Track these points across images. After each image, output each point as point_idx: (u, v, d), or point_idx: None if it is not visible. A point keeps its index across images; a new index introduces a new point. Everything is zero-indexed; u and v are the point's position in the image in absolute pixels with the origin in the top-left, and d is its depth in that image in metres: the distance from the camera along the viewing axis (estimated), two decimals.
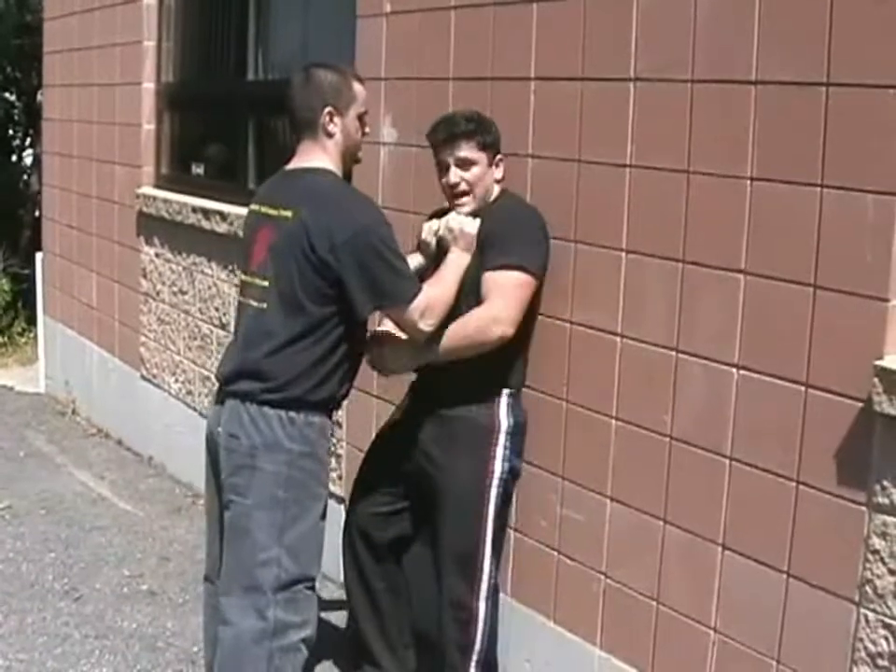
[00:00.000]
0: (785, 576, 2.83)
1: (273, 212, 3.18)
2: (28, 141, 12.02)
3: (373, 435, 3.78)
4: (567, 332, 3.43)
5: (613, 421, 3.31)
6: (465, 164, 3.38)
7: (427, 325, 3.17)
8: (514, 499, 3.62)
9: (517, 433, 3.41)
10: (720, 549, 3.01)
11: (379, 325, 3.47)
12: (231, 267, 5.37)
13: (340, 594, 4.34)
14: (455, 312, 3.27)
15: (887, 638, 2.60)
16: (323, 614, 3.92)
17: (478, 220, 3.35)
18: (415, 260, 3.50)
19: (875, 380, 2.55)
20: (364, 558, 3.65)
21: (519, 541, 3.68)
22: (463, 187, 3.39)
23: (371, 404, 4.18)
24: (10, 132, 12.01)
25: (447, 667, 3.46)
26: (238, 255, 4.64)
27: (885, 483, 2.59)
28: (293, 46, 5.36)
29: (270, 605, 3.10)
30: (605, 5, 3.30)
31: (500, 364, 3.36)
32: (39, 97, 9.49)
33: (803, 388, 2.77)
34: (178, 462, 6.00)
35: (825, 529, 2.74)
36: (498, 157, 3.44)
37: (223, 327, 5.48)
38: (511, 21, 3.61)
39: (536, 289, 3.36)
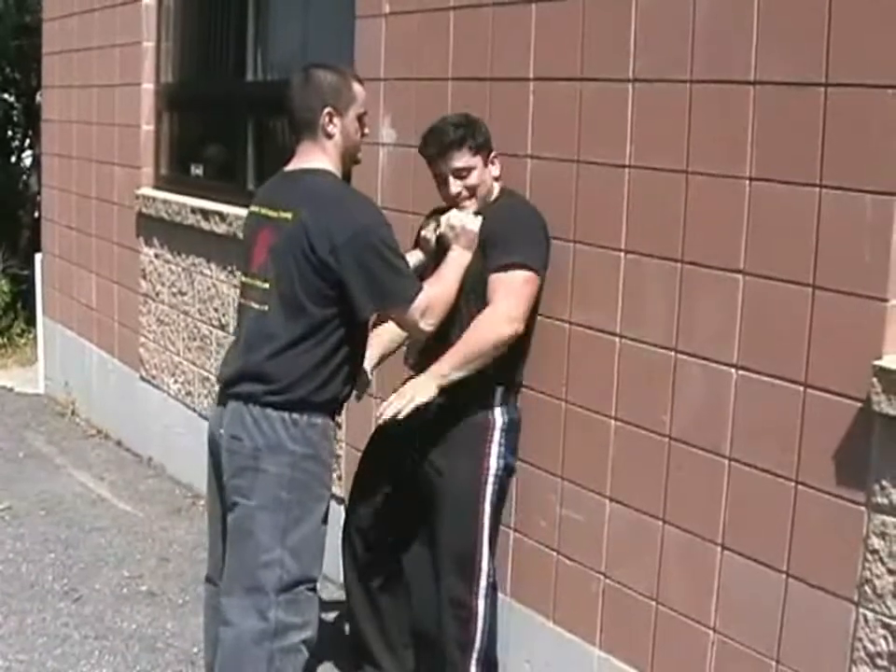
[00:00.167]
0: (784, 576, 2.83)
1: (273, 214, 3.18)
2: (27, 142, 12.01)
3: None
4: (567, 332, 3.43)
5: (612, 421, 3.31)
6: (462, 173, 3.38)
7: (427, 324, 3.17)
8: (514, 499, 3.63)
9: (512, 430, 3.41)
10: (719, 549, 3.01)
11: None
12: (230, 268, 5.37)
13: (340, 594, 4.34)
14: (455, 310, 3.27)
15: (886, 638, 2.60)
16: (323, 615, 3.92)
17: (479, 218, 3.35)
18: (414, 258, 3.51)
19: (874, 380, 2.55)
20: (364, 558, 3.65)
21: (518, 541, 3.69)
22: (465, 194, 3.40)
23: (370, 405, 4.18)
24: (9, 133, 12.00)
25: (448, 666, 3.46)
26: (237, 256, 4.64)
27: (884, 482, 2.59)
28: (292, 46, 5.36)
29: (271, 606, 3.10)
30: (603, 5, 3.30)
31: (495, 361, 3.37)
32: (38, 98, 9.49)
33: (801, 388, 2.77)
34: (178, 463, 6.00)
35: (824, 529, 2.74)
36: (493, 155, 3.45)
37: (222, 327, 5.48)
38: (510, 21, 3.61)
39: (539, 287, 3.37)
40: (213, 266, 5.58)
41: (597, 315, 3.33)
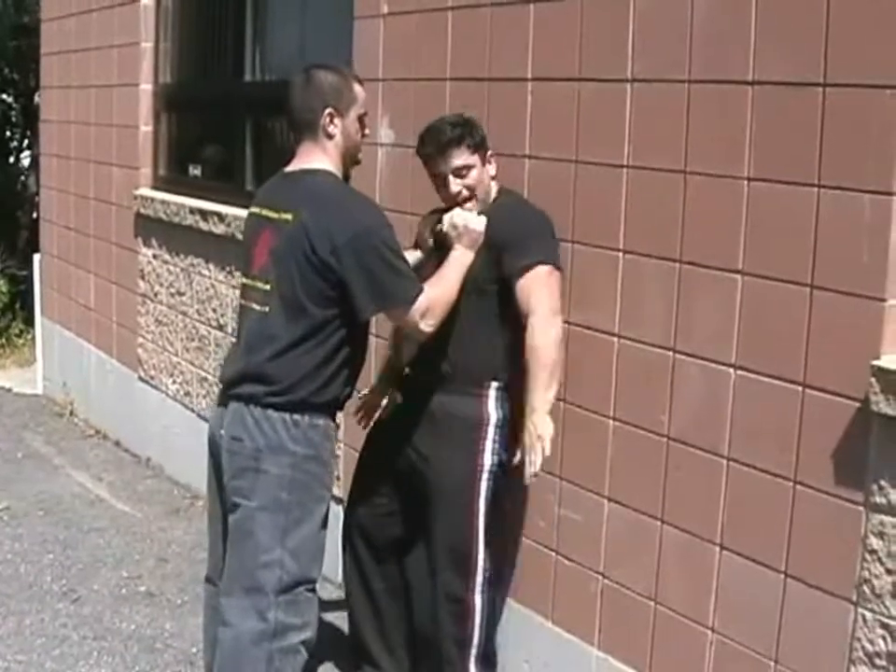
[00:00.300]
0: (783, 576, 2.84)
1: (273, 215, 3.18)
2: (25, 142, 12.02)
3: None
4: (565, 332, 3.43)
5: (611, 421, 3.31)
6: (461, 172, 3.38)
7: (427, 325, 3.17)
8: (515, 499, 3.63)
9: (506, 426, 3.41)
10: (717, 549, 3.01)
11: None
12: (228, 268, 5.37)
13: (338, 594, 4.35)
14: (456, 309, 3.27)
15: (884, 638, 2.60)
16: (324, 616, 3.92)
17: (483, 217, 3.35)
18: (412, 257, 3.51)
19: (872, 380, 2.56)
20: (365, 559, 3.65)
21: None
22: (465, 194, 3.40)
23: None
24: (8, 133, 12.00)
25: (445, 663, 3.46)
26: (236, 256, 4.64)
27: (882, 482, 2.59)
28: (290, 47, 5.35)
29: (271, 606, 3.10)
30: (601, 5, 3.30)
31: (488, 358, 3.38)
32: (37, 99, 9.50)
33: (800, 388, 2.77)
34: (176, 463, 6.00)
35: (823, 529, 2.74)
36: (489, 154, 3.45)
37: (221, 328, 5.48)
38: (508, 21, 3.61)
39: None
40: (211, 266, 5.58)
41: (596, 315, 3.33)
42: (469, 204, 3.40)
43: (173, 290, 6.00)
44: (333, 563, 3.86)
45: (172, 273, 5.99)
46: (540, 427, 3.14)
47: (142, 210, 6.21)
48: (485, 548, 3.40)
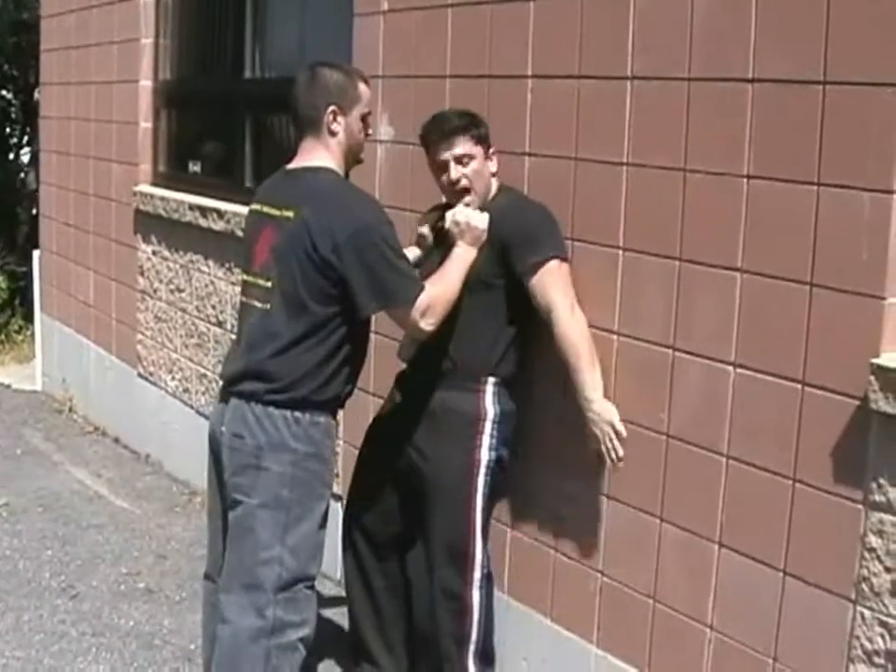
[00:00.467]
0: (782, 574, 2.84)
1: (275, 212, 3.18)
2: (25, 139, 12.01)
3: None
4: None
5: None
6: (463, 160, 3.39)
7: (427, 324, 3.17)
8: (512, 496, 3.63)
9: (504, 422, 3.41)
10: (716, 547, 3.01)
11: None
12: (228, 265, 5.37)
13: (338, 591, 4.35)
14: (458, 306, 3.28)
15: (883, 636, 2.60)
16: (323, 613, 3.93)
17: (485, 214, 3.36)
18: (413, 253, 3.52)
19: (872, 378, 2.56)
20: (365, 556, 3.65)
21: (516, 539, 3.69)
22: (464, 183, 3.39)
23: (367, 402, 4.18)
24: (7, 129, 12.00)
25: (444, 660, 3.46)
26: (235, 253, 4.65)
27: (881, 480, 2.59)
28: (291, 44, 5.35)
29: (270, 604, 3.10)
30: (602, 3, 3.30)
31: (485, 353, 3.38)
32: (36, 95, 9.49)
33: (799, 386, 2.77)
34: (175, 460, 6.00)
35: (822, 527, 2.74)
36: (491, 150, 3.45)
37: (220, 324, 5.48)
38: (508, 19, 3.61)
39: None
40: (211, 263, 5.57)
41: (595, 313, 3.32)
42: (468, 198, 3.39)
43: (172, 287, 5.99)
44: (332, 560, 3.87)
45: (171, 269, 5.99)
46: (605, 413, 3.23)
47: (141, 206, 6.21)
48: (483, 544, 3.41)
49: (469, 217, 3.34)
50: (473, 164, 3.39)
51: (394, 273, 3.09)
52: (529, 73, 3.54)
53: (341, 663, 3.96)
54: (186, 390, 5.88)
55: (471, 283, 3.32)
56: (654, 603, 3.20)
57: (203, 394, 5.65)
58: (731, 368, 2.95)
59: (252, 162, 5.47)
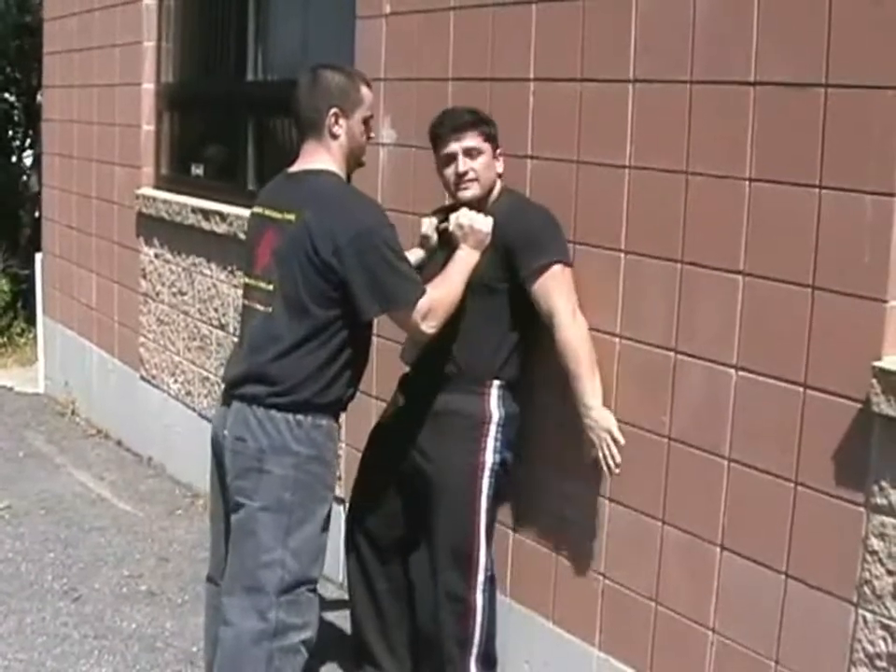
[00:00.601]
0: (783, 577, 2.83)
1: (276, 215, 3.18)
2: (28, 142, 12.02)
3: None
4: None
5: None
6: (472, 153, 3.39)
7: (429, 327, 3.17)
8: (513, 499, 3.63)
9: (508, 425, 3.42)
10: (718, 549, 3.01)
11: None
12: (230, 268, 5.37)
13: (339, 594, 4.35)
14: (461, 309, 3.28)
15: (885, 639, 2.60)
16: (326, 616, 3.93)
17: (489, 218, 3.36)
18: (415, 256, 3.51)
19: (874, 381, 2.56)
20: (368, 559, 3.65)
21: (518, 542, 3.69)
22: (471, 175, 3.39)
23: (370, 405, 4.18)
24: (10, 132, 12.01)
25: (446, 662, 3.46)
26: (238, 256, 4.65)
27: (883, 483, 2.59)
28: (293, 47, 5.36)
29: (272, 606, 3.10)
30: (604, 6, 3.30)
31: (488, 357, 3.39)
32: (39, 98, 9.49)
33: (801, 389, 2.77)
34: (178, 463, 6.00)
35: (823, 530, 2.74)
36: (499, 151, 3.46)
37: (222, 327, 5.48)
38: (511, 22, 3.61)
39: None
40: (213, 266, 5.58)
41: (597, 316, 3.33)
42: (469, 186, 3.38)
43: (174, 290, 6.00)
44: (335, 563, 3.87)
45: (174, 272, 5.99)
46: (603, 420, 3.24)
47: (144, 209, 6.21)
48: (486, 547, 3.41)
49: (473, 221, 3.34)
50: (481, 159, 3.40)
51: (395, 276, 3.09)
52: (531, 76, 3.54)
53: (343, 665, 3.96)
54: (188, 393, 5.88)
55: (475, 287, 3.32)
56: (656, 606, 3.20)
57: (206, 397, 5.65)
58: (733, 371, 2.95)
59: (254, 165, 5.47)
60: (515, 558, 3.70)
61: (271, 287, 3.14)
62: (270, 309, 3.14)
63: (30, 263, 9.18)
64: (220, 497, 3.29)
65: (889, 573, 2.58)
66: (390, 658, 3.72)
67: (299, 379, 3.10)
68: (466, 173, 3.39)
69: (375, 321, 3.30)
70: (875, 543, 2.61)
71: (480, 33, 3.73)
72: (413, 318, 3.14)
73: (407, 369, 3.65)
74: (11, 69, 11.51)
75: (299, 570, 3.12)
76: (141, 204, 6.24)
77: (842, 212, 2.66)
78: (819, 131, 2.69)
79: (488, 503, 3.40)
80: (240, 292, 3.52)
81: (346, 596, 3.86)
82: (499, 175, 3.48)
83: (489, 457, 3.38)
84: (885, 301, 2.58)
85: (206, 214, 5.50)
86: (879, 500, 2.60)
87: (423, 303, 3.13)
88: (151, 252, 6.24)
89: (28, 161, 11.98)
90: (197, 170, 6.05)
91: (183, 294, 5.91)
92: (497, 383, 3.40)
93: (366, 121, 3.24)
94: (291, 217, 3.11)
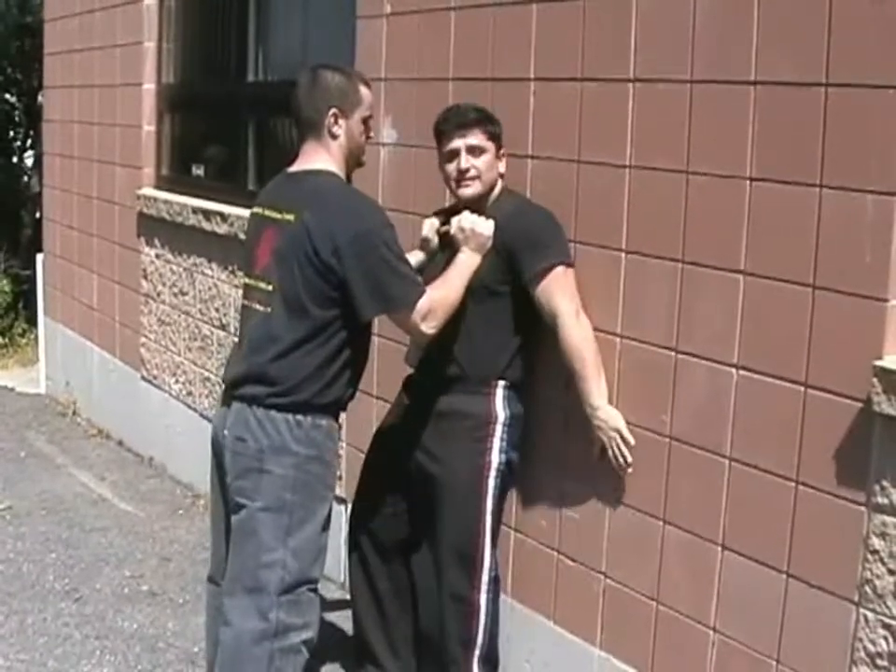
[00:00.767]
0: (784, 576, 2.83)
1: (276, 215, 3.18)
2: (29, 142, 12.04)
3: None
4: None
5: None
6: (476, 151, 3.39)
7: (429, 328, 3.17)
8: (515, 499, 3.63)
9: (513, 425, 3.42)
10: (719, 549, 3.01)
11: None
12: (231, 268, 5.38)
13: (341, 594, 4.35)
14: (462, 311, 3.28)
15: (886, 638, 2.60)
16: (328, 616, 3.93)
17: (491, 221, 3.36)
18: (416, 257, 3.51)
19: (875, 380, 2.56)
20: (371, 559, 3.65)
21: (519, 542, 3.69)
22: (473, 172, 3.40)
23: (370, 405, 4.18)
24: (11, 133, 12.02)
25: (450, 663, 3.46)
26: (238, 256, 4.64)
27: (884, 483, 2.59)
28: (293, 47, 5.36)
29: (273, 606, 3.10)
30: (604, 5, 3.30)
31: (492, 360, 3.38)
32: (40, 98, 9.51)
33: (802, 388, 2.77)
34: (179, 463, 6.00)
35: (824, 529, 2.74)
36: (502, 151, 3.46)
37: (223, 328, 5.48)
38: (511, 21, 3.61)
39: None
40: (214, 266, 5.58)
41: (598, 315, 3.33)
42: (471, 183, 3.39)
43: (175, 290, 6.00)
44: (336, 563, 3.87)
45: (175, 272, 6.00)
46: (611, 420, 3.25)
47: (145, 210, 6.21)
48: (491, 547, 3.41)
49: (475, 224, 3.34)
50: (484, 157, 3.40)
51: (394, 277, 3.09)
52: (532, 75, 3.54)
53: (345, 665, 3.96)
54: (189, 393, 5.88)
55: (476, 290, 3.32)
56: (657, 605, 3.20)
57: (207, 397, 5.65)
58: (733, 370, 2.95)
59: (255, 165, 5.47)
60: (516, 558, 3.70)
61: (270, 288, 3.14)
62: (269, 309, 3.14)
63: (31, 264, 9.19)
64: (221, 498, 3.29)
65: (891, 572, 2.58)
66: (392, 658, 3.72)
67: (298, 379, 3.10)
68: (468, 170, 3.39)
69: (375, 321, 3.30)
70: (877, 542, 2.61)
71: (480, 33, 3.73)
72: (412, 319, 3.14)
73: (411, 371, 3.64)
74: (12, 70, 11.53)
75: (299, 570, 3.12)
76: (142, 205, 6.24)
77: (843, 211, 2.66)
78: (820, 130, 2.69)
79: (494, 504, 3.40)
80: (240, 292, 3.52)
81: (348, 596, 3.86)
82: (501, 176, 3.48)
83: (495, 458, 3.38)
84: (886, 301, 2.58)
85: (207, 214, 5.51)
86: (880, 499, 2.60)
87: (422, 304, 3.13)
88: (152, 252, 6.24)
89: (29, 162, 12.00)
90: (198, 170, 6.05)
91: (184, 294, 5.91)
92: (501, 383, 3.40)
93: (365, 121, 3.24)
94: (291, 217, 3.11)
